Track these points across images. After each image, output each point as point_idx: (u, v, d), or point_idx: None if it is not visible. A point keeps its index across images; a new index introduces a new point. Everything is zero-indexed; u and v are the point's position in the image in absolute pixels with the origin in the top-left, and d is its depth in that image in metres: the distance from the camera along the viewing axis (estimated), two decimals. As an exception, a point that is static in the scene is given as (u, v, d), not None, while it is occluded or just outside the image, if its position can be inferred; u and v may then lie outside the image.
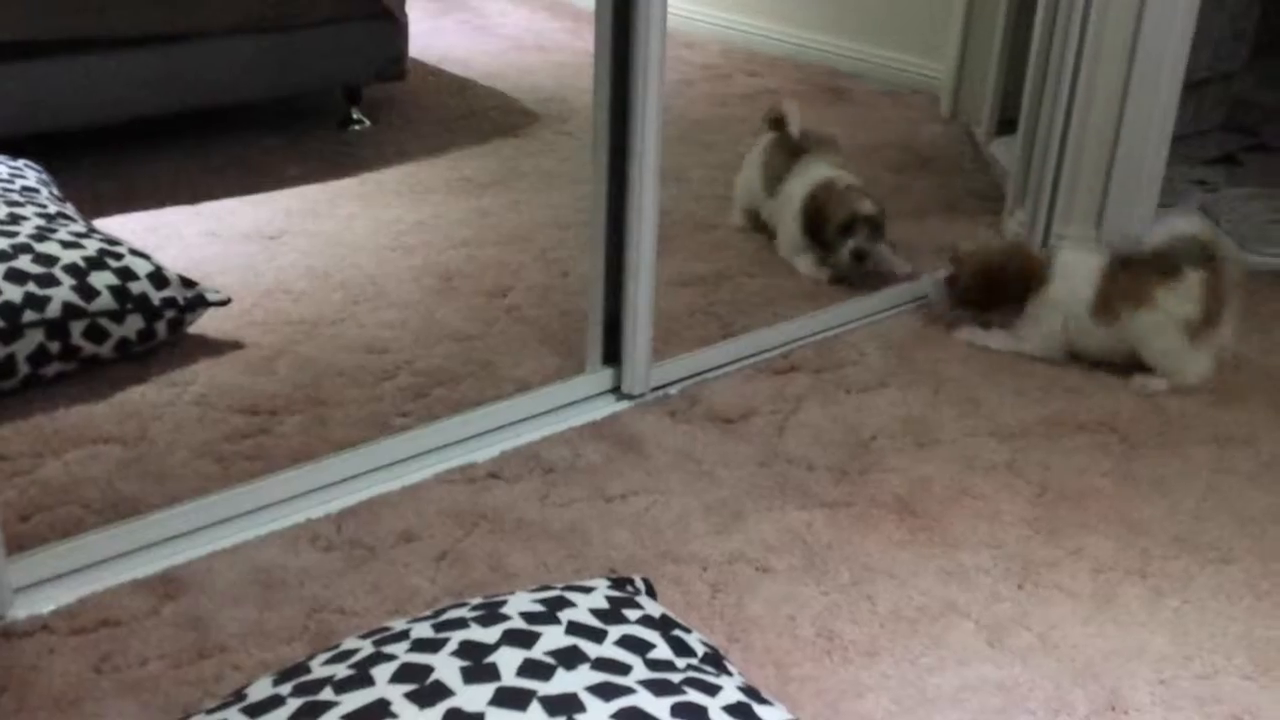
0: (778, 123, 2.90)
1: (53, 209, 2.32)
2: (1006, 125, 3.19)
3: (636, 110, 2.02)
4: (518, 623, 1.28)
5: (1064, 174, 2.74)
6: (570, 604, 1.34)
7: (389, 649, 1.23)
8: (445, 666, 1.19)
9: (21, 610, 1.61)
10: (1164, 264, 2.27)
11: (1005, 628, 1.66)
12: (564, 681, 1.19)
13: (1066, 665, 1.60)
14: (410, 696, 1.15)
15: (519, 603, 1.34)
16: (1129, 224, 2.74)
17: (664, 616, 1.39)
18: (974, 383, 2.28)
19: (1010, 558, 1.80)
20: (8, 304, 2.03)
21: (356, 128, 3.41)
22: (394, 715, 1.13)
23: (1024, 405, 2.21)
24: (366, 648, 1.25)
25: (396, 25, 3.34)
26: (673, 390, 2.21)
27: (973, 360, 2.35)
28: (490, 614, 1.30)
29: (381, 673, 1.19)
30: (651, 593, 1.51)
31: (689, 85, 3.94)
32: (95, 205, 2.57)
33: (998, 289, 2.38)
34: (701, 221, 2.94)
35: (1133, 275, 2.29)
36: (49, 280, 2.09)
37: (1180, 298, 2.24)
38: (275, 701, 1.17)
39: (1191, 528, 1.89)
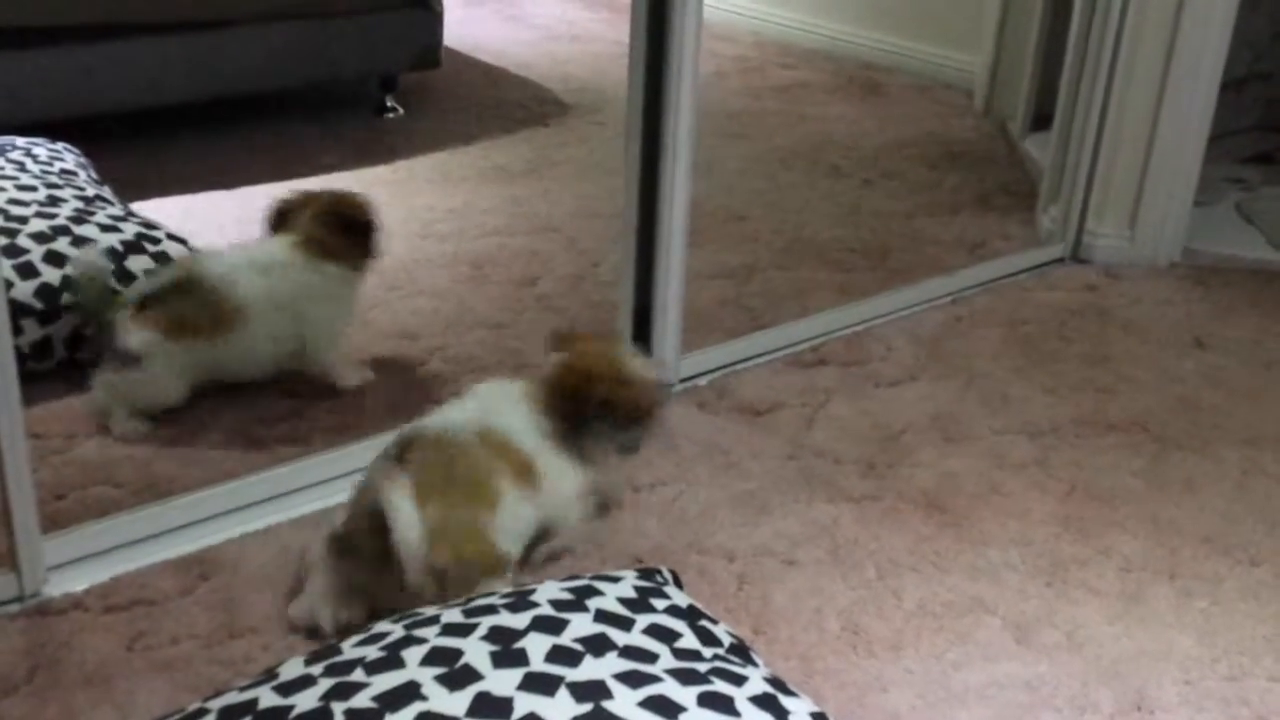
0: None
1: (91, 192, 2.34)
2: (1041, 121, 3.18)
3: (670, 102, 2.02)
4: (546, 610, 1.29)
5: (1099, 171, 2.73)
6: (598, 593, 1.35)
7: (419, 632, 1.24)
8: (475, 651, 1.20)
9: (56, 588, 1.63)
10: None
11: (1032, 625, 1.66)
12: (592, 668, 1.20)
13: (1093, 664, 1.59)
14: (440, 679, 1.16)
15: (548, 591, 1.35)
16: (1164, 222, 2.73)
17: (691, 607, 1.40)
18: (1005, 379, 2.27)
19: (1038, 555, 1.80)
20: (46, 286, 2.06)
21: (390, 116, 3.42)
22: (424, 698, 1.14)
23: (1055, 403, 2.20)
24: (397, 631, 1.26)
25: (431, 14, 3.35)
26: (702, 381, 2.21)
27: (1004, 356, 2.35)
28: (519, 601, 1.31)
29: (412, 655, 1.20)
30: (678, 584, 1.51)
31: (723, 78, 3.94)
32: (132, 189, 2.59)
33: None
34: (733, 213, 2.94)
35: None
36: (87, 263, 2.11)
37: None
38: (307, 681, 1.19)
39: (1221, 529, 1.88)
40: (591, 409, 1.68)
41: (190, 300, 1.99)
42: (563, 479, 1.68)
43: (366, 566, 1.52)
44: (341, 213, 2.11)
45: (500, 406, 1.67)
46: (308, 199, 2.13)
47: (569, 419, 1.68)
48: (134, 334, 1.95)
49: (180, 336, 1.96)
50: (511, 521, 1.59)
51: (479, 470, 1.58)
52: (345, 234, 2.10)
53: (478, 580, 1.51)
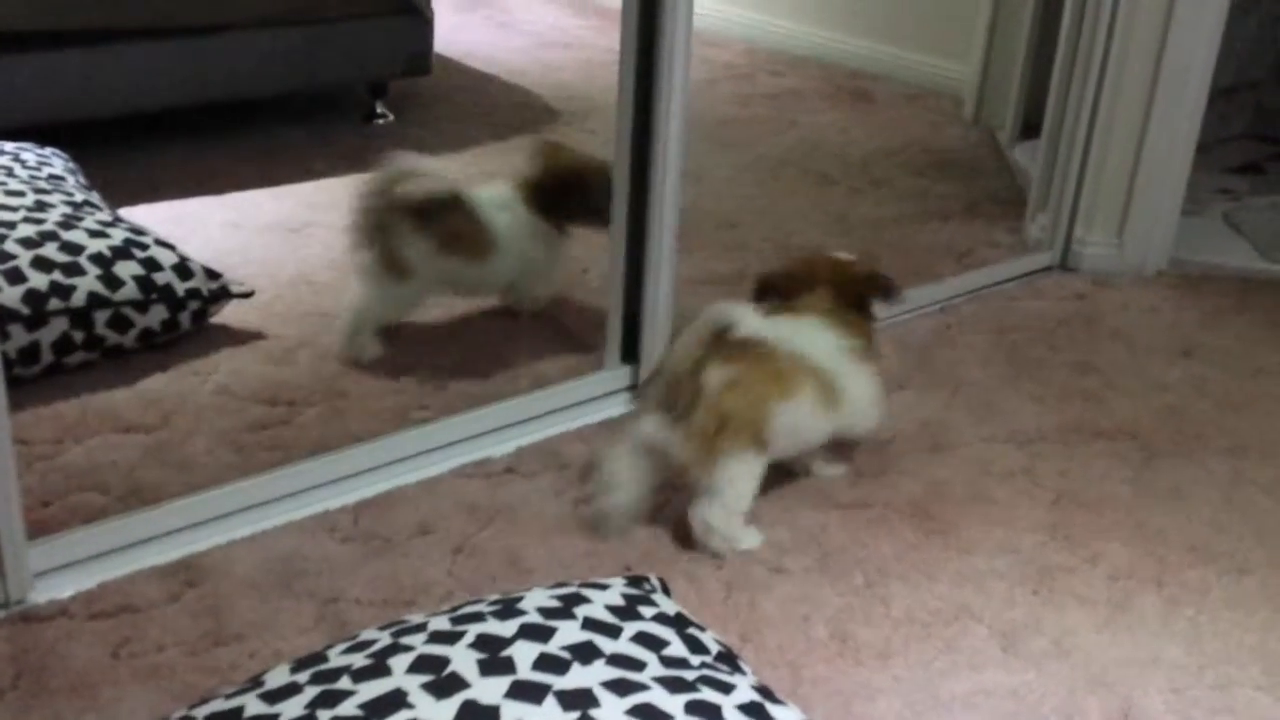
0: None
1: (79, 197, 2.34)
2: (1030, 129, 3.19)
3: (660, 109, 2.02)
4: (534, 617, 1.29)
5: (1087, 179, 2.74)
6: (586, 600, 1.35)
7: (406, 640, 1.24)
8: (462, 658, 1.20)
9: (41, 595, 1.62)
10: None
11: (1019, 633, 1.66)
12: (579, 676, 1.19)
13: (1080, 672, 1.60)
14: (427, 687, 1.16)
15: (536, 598, 1.34)
16: (1152, 231, 2.74)
17: (679, 614, 1.40)
18: (992, 387, 2.27)
19: (1025, 563, 1.80)
20: (33, 291, 2.05)
21: (380, 122, 3.42)
22: (410, 705, 1.14)
23: (1042, 411, 2.20)
24: (384, 639, 1.26)
25: (422, 20, 3.35)
26: (691, 389, 2.21)
27: (992, 364, 2.35)
28: (507, 609, 1.31)
29: (399, 663, 1.20)
30: (666, 592, 1.51)
31: (713, 84, 3.94)
32: (120, 194, 2.58)
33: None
34: (722, 220, 2.95)
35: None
36: (75, 269, 2.11)
37: None
38: (293, 689, 1.18)
39: (1208, 538, 1.88)
40: (874, 303, 1.92)
41: (458, 220, 2.10)
42: (863, 388, 1.89)
43: (665, 416, 1.71)
44: (559, 172, 2.20)
45: (801, 337, 1.82)
46: (553, 152, 2.26)
47: (861, 325, 1.90)
48: (411, 246, 2.05)
49: (448, 253, 2.08)
50: (793, 420, 1.77)
51: (785, 367, 1.77)
52: (555, 193, 2.19)
53: (742, 444, 1.71)
